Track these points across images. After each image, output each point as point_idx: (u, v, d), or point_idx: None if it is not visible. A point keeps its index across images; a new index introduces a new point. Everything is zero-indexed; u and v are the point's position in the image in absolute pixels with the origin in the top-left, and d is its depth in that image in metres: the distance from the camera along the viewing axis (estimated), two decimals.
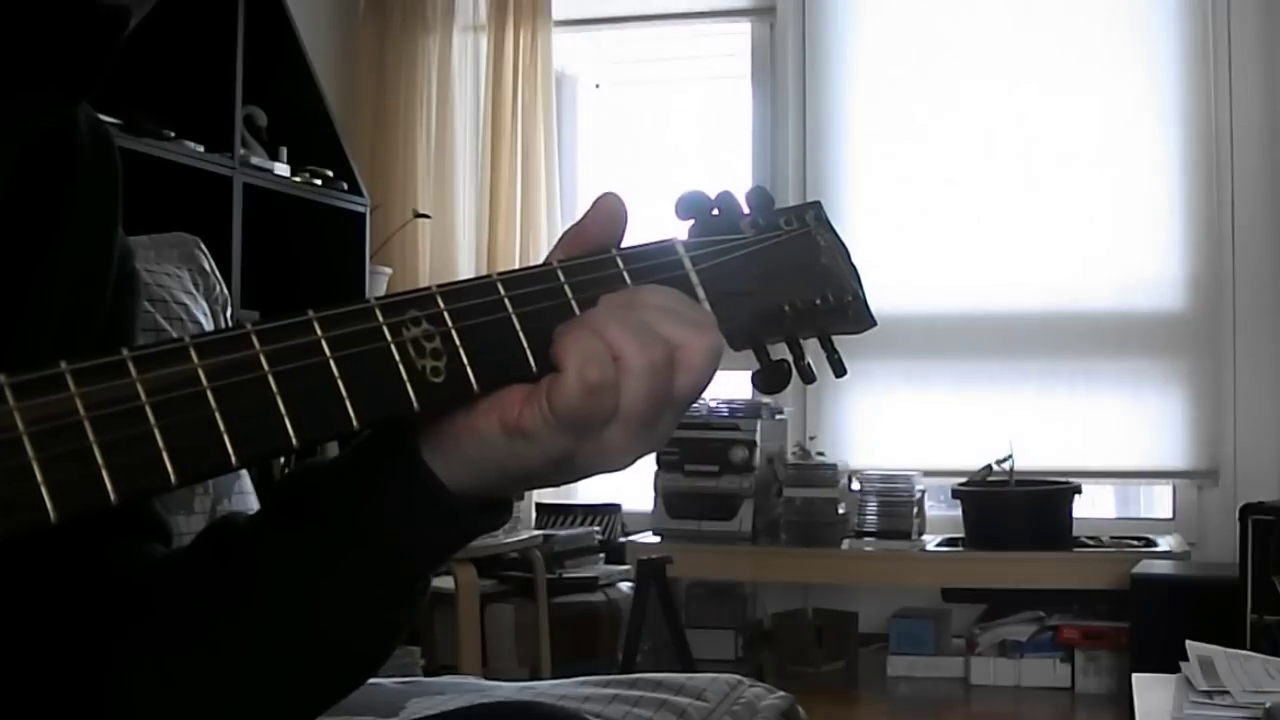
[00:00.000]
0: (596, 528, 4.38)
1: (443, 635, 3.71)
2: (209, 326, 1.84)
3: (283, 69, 3.97)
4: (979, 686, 4.08)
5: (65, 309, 0.79)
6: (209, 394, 0.59)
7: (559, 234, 0.76)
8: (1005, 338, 4.45)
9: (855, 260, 0.85)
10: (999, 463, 4.13)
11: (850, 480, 4.25)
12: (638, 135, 5.15)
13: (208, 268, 1.98)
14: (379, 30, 4.79)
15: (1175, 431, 4.35)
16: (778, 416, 4.35)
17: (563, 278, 0.71)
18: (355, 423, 0.63)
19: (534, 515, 4.49)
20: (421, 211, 4.54)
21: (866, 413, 4.55)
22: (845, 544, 4.18)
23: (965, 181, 4.47)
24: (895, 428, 4.50)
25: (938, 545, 4.18)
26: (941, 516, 4.33)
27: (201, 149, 3.48)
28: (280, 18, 3.92)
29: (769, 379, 0.79)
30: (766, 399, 4.34)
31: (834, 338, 0.84)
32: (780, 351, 0.81)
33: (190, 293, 1.89)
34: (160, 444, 0.56)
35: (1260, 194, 4.31)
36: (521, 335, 0.69)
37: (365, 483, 0.72)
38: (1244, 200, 4.32)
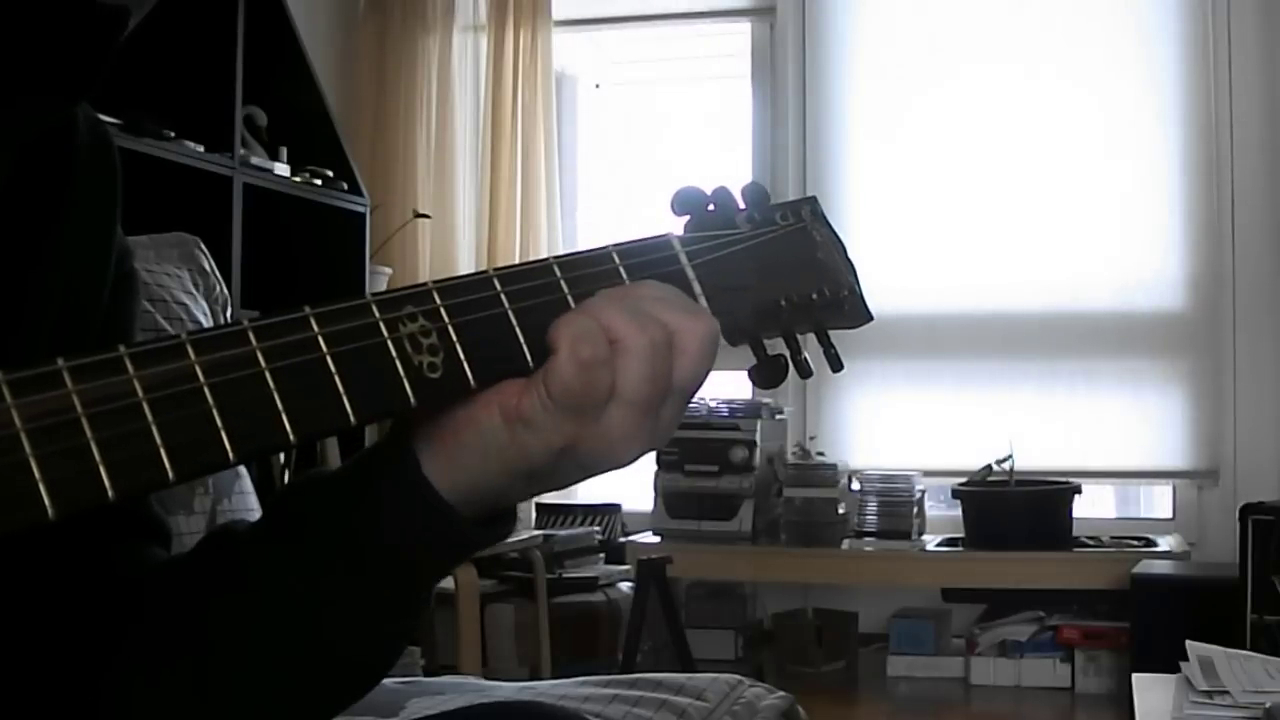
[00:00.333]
0: (596, 528, 4.38)
1: (443, 635, 3.71)
2: (209, 326, 1.84)
3: (283, 69, 3.97)
4: (979, 686, 4.08)
5: (62, 308, 0.79)
6: (206, 390, 0.58)
7: (559, 234, 0.77)
8: (1005, 338, 4.45)
9: (852, 255, 0.85)
10: (999, 463, 4.13)
11: (850, 480, 4.25)
12: (638, 135, 5.15)
13: (208, 268, 1.98)
14: (379, 30, 4.79)
15: (1175, 431, 4.35)
16: (778, 416, 4.35)
17: (559, 274, 0.72)
18: (352, 419, 0.63)
19: (534, 515, 4.49)
20: (421, 211, 4.54)
21: (866, 413, 4.54)
22: (845, 544, 4.18)
23: (965, 181, 4.47)
24: (895, 428, 4.50)
25: (938, 545, 4.18)
26: (941, 516, 4.33)
27: (201, 149, 3.48)
28: (280, 18, 3.92)
29: (766, 374, 0.78)
30: (766, 399, 4.34)
31: (831, 333, 0.84)
32: (777, 347, 0.81)
33: (190, 293, 1.89)
34: (158, 440, 0.56)
35: (1260, 193, 4.31)
36: (518, 331, 0.69)
37: (362, 498, 0.72)
38: (1244, 200, 4.32)
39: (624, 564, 4.16)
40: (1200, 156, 4.33)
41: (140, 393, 0.56)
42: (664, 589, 3.64)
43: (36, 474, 0.53)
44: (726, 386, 4.53)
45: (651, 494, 4.25)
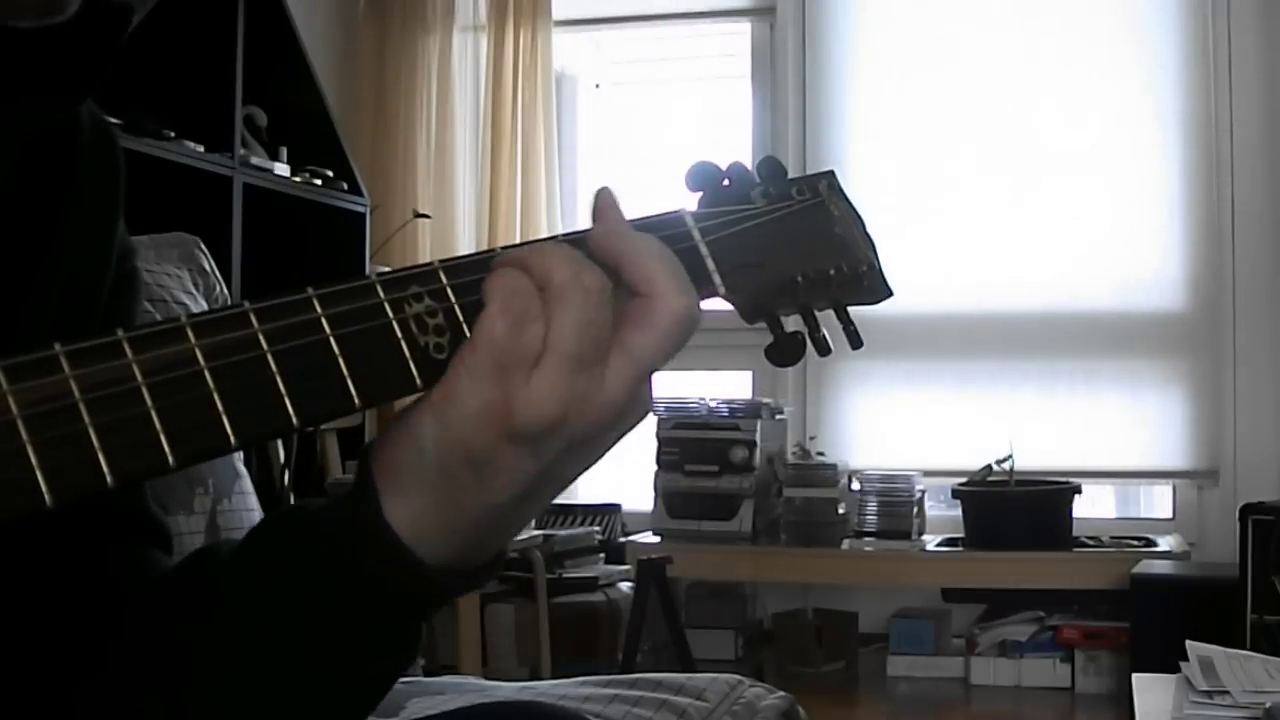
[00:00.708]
0: (596, 528, 4.38)
1: (443, 635, 3.71)
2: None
3: (283, 69, 3.97)
4: (979, 686, 4.08)
5: (62, 306, 0.79)
6: (207, 374, 0.57)
7: (559, 234, 0.75)
8: (1005, 338, 4.45)
9: (870, 230, 0.83)
10: (999, 463, 4.12)
11: (850, 480, 4.25)
12: (638, 135, 5.15)
13: (208, 268, 1.98)
14: (379, 30, 4.79)
15: (1175, 431, 4.35)
16: (778, 416, 4.35)
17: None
18: (357, 401, 0.61)
19: None
20: (421, 211, 4.54)
21: (866, 413, 4.55)
22: (845, 544, 4.18)
23: (965, 181, 4.47)
24: (895, 428, 4.50)
25: (938, 545, 4.18)
26: (941, 516, 4.33)
27: (201, 149, 3.48)
28: (280, 18, 3.92)
29: (783, 351, 0.76)
30: (767, 399, 4.34)
31: (850, 316, 0.82)
32: (795, 325, 0.79)
33: (190, 293, 1.89)
34: (157, 425, 0.55)
35: (1260, 193, 4.31)
36: None
37: (326, 542, 0.69)
38: (1244, 200, 4.32)
39: (624, 564, 4.16)
40: (1200, 156, 4.33)
41: (139, 377, 0.55)
42: (664, 589, 3.64)
43: (34, 461, 0.52)
44: (726, 387, 4.54)
45: (651, 494, 4.25)
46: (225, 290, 2.02)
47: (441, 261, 0.66)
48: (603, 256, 0.68)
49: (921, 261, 4.42)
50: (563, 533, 4.22)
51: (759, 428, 4.19)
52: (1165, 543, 4.14)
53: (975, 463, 4.18)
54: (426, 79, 4.73)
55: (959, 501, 4.13)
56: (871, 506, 4.17)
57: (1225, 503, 4.13)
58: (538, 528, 4.25)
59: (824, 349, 0.78)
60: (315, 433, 3.89)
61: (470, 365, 0.64)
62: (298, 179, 3.89)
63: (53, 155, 0.80)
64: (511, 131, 4.66)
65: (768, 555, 4.20)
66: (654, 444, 4.22)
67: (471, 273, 0.66)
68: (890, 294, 0.83)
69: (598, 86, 5.20)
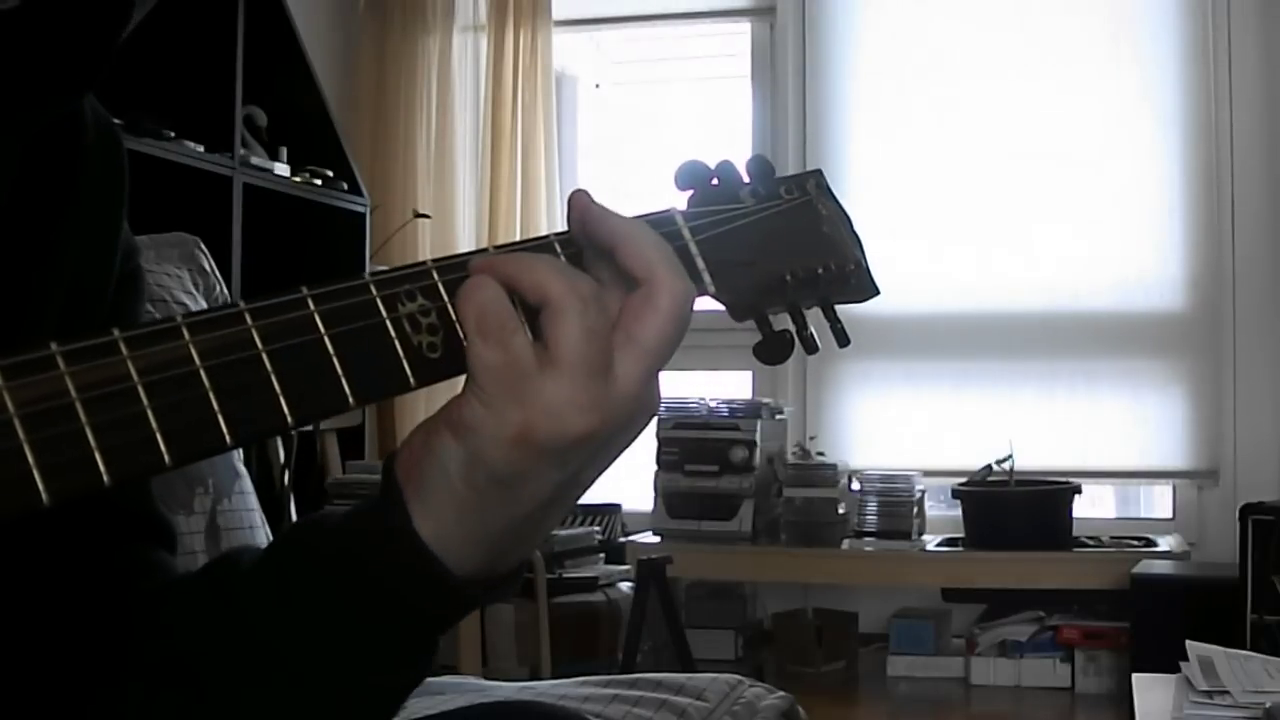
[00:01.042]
0: (596, 528, 4.37)
1: (443, 636, 3.71)
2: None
3: (283, 69, 3.97)
4: (979, 686, 4.08)
5: (66, 305, 0.79)
6: (202, 373, 0.58)
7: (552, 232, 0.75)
8: (1005, 338, 4.45)
9: (857, 229, 0.84)
10: (999, 463, 4.13)
11: (850, 480, 4.25)
12: (638, 135, 5.15)
13: (208, 268, 1.98)
14: (379, 30, 4.79)
15: (1175, 431, 4.35)
16: (778, 416, 4.35)
17: (560, 250, 0.70)
18: (351, 400, 0.62)
19: None
20: (421, 211, 4.54)
21: (866, 413, 4.55)
22: (845, 544, 4.18)
23: (965, 181, 4.47)
24: (895, 428, 4.50)
25: (938, 545, 4.18)
26: (941, 516, 4.33)
27: (201, 149, 3.48)
28: (280, 18, 3.92)
29: (771, 349, 0.77)
30: (767, 399, 4.34)
31: (838, 314, 0.82)
32: (784, 323, 0.79)
33: (190, 293, 1.89)
34: (154, 424, 0.56)
35: (1260, 194, 4.31)
36: (520, 308, 0.67)
37: (350, 552, 0.68)
38: (1244, 200, 4.32)
39: (624, 564, 4.15)
40: (1200, 156, 4.33)
41: (135, 376, 0.56)
42: (664, 589, 3.64)
43: (31, 459, 0.52)
44: (726, 387, 4.54)
45: (651, 494, 4.25)
46: (225, 290, 2.02)
47: (434, 261, 0.66)
48: (598, 240, 0.69)
49: (921, 261, 4.42)
50: (563, 533, 4.21)
51: (759, 428, 4.19)
52: (1165, 543, 4.14)
53: (975, 463, 4.18)
54: (426, 79, 4.73)
55: (959, 501, 4.13)
56: (871, 506, 4.17)
57: (1225, 503, 4.13)
58: None
59: (811, 347, 0.78)
60: (315, 433, 3.89)
61: (478, 393, 0.64)
62: (298, 179, 3.89)
63: (57, 150, 0.79)
64: (511, 131, 4.66)
65: (768, 555, 4.20)
66: (654, 444, 4.23)
67: (464, 271, 0.66)
68: (877, 292, 0.83)
69: (597, 86, 5.20)
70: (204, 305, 1.90)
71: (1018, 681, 4.06)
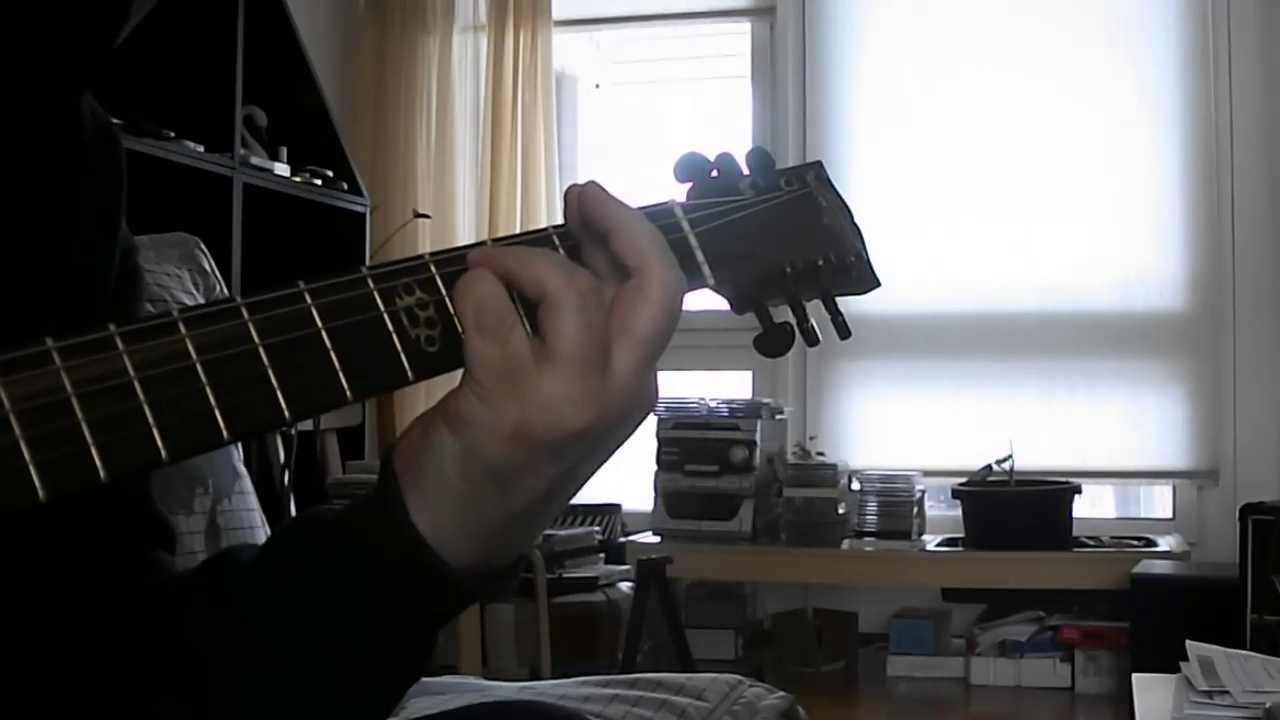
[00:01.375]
0: (596, 528, 4.38)
1: (443, 635, 3.68)
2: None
3: (283, 69, 3.97)
4: (979, 686, 4.08)
5: (65, 304, 0.79)
6: (199, 368, 0.57)
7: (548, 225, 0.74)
8: (1005, 338, 4.45)
9: (858, 220, 0.83)
10: (999, 463, 4.12)
11: (850, 480, 4.25)
12: (638, 135, 5.15)
13: (208, 268, 1.98)
14: (379, 30, 4.79)
15: (1175, 431, 4.35)
16: (778, 416, 4.35)
17: (558, 242, 0.70)
18: (349, 394, 0.61)
19: None
20: (421, 211, 4.54)
21: (866, 413, 4.54)
22: (845, 544, 4.17)
23: (965, 181, 4.47)
24: (895, 428, 4.50)
25: (938, 545, 4.18)
26: (941, 516, 4.33)
27: (201, 149, 3.48)
28: (280, 18, 3.92)
29: (771, 342, 0.76)
30: (767, 399, 4.34)
31: (839, 306, 0.82)
32: (784, 316, 0.79)
33: (190, 293, 1.89)
34: (150, 420, 0.55)
35: (1260, 194, 4.31)
36: (517, 301, 0.67)
37: (349, 547, 0.69)
38: (1244, 200, 4.32)
39: (624, 564, 4.15)
40: (1200, 156, 4.33)
41: (132, 371, 0.55)
42: (664, 589, 3.64)
43: (27, 455, 0.52)
44: (726, 387, 4.54)
45: (651, 494, 4.25)
46: (225, 290, 2.02)
47: (432, 254, 0.66)
48: (595, 224, 0.68)
49: (921, 261, 4.42)
50: (563, 533, 4.21)
51: (759, 428, 4.19)
52: (1165, 543, 4.14)
53: (975, 463, 4.18)
54: (426, 79, 4.73)
55: (959, 501, 4.13)
56: (871, 506, 4.17)
57: (1225, 503, 4.13)
58: None
59: (812, 339, 0.78)
60: (315, 432, 3.89)
61: (474, 387, 0.64)
62: (298, 179, 3.89)
63: (55, 149, 0.79)
64: (511, 131, 4.66)
65: (768, 555, 4.20)
66: (654, 444, 4.23)
67: (462, 264, 0.66)
68: (878, 284, 0.83)
69: (597, 86, 5.20)
70: None
71: (1018, 681, 4.06)
